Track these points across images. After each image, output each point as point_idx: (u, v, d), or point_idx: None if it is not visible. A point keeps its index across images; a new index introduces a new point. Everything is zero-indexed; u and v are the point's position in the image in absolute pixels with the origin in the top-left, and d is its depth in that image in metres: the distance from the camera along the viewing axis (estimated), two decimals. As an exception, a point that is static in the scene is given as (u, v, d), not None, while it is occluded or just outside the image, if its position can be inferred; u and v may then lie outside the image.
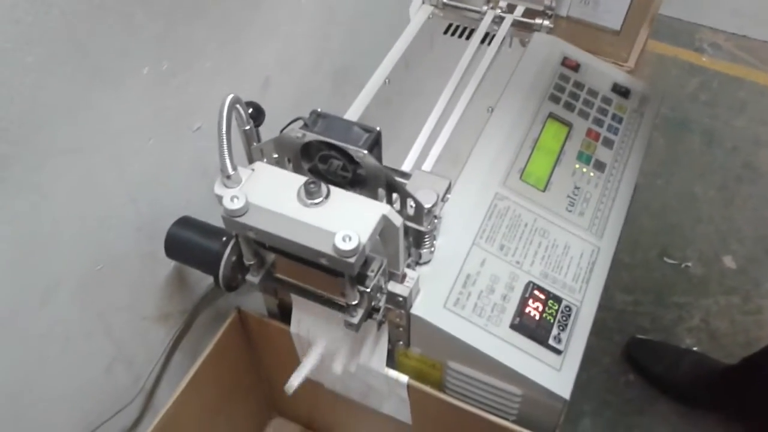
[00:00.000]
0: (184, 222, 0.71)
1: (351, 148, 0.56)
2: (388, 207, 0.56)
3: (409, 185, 0.62)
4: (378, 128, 0.58)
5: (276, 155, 0.62)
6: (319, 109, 0.59)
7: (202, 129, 0.72)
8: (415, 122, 0.78)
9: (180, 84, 0.67)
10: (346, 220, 0.54)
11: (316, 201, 0.55)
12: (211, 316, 0.84)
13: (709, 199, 1.57)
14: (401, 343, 0.68)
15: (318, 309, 0.66)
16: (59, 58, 0.53)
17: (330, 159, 0.59)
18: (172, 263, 0.76)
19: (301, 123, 0.59)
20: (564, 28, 1.49)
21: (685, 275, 1.43)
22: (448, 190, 0.64)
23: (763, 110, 1.78)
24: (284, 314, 0.77)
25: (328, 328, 0.70)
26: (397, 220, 0.56)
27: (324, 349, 0.71)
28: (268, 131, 0.66)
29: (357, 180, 0.59)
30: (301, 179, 0.57)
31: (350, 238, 0.52)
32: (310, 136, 0.57)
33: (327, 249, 0.53)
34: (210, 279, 0.78)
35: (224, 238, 0.67)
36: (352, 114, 0.80)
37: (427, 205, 0.59)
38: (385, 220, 0.55)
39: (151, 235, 0.69)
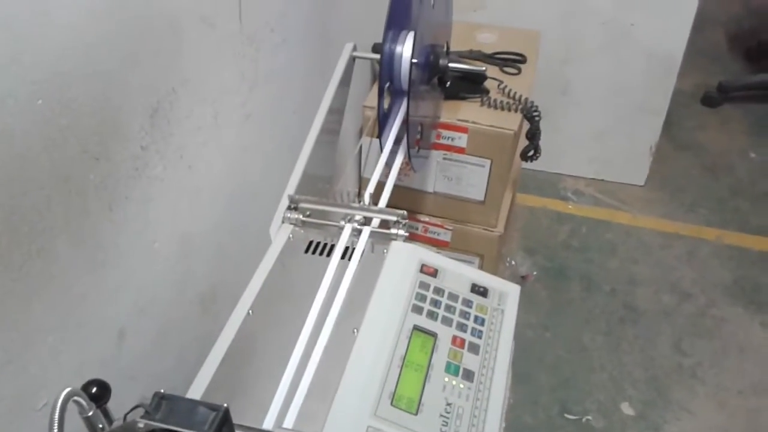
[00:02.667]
0: None
1: (197, 435, 0.54)
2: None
3: (270, 449, 0.59)
4: (225, 405, 0.56)
5: (122, 441, 0.58)
6: (162, 391, 0.57)
7: (49, 405, 0.68)
8: (280, 356, 0.77)
9: (18, 369, 0.64)
10: None
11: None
12: None
13: (597, 346, 1.62)
14: None
15: None
16: None
17: (177, 443, 0.56)
18: None
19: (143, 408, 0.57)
20: (433, 203, 1.58)
21: (587, 430, 1.44)
22: (311, 446, 0.62)
23: (632, 249, 1.90)
24: None
25: None
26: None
27: None
28: (128, 383, 0.63)
29: (209, 461, 0.56)
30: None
31: None
32: (152, 426, 0.55)
33: None
34: None
35: None
36: (216, 355, 0.77)
37: (284, 479, 0.56)
38: None
39: None
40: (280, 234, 0.95)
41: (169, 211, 0.85)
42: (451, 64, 1.14)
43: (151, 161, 0.79)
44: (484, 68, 1.30)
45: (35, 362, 0.66)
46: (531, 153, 1.52)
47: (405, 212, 0.93)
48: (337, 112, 1.16)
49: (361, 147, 1.54)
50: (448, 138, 1.45)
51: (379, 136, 1.08)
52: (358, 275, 0.88)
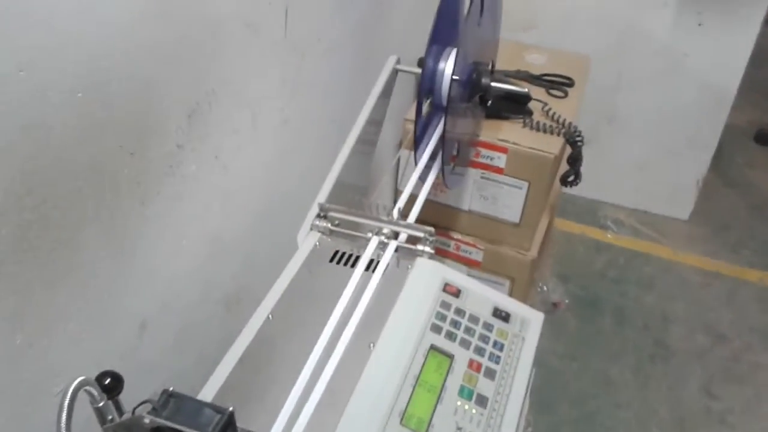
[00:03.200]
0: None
1: (200, 436, 0.54)
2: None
3: (272, 458, 0.59)
4: (231, 409, 0.56)
5: (129, 434, 0.59)
6: (171, 389, 0.57)
7: (63, 391, 0.69)
8: (295, 364, 0.77)
9: (38, 353, 0.65)
10: None
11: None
12: None
13: (624, 382, 1.58)
14: None
15: None
16: None
17: (181, 441, 0.56)
18: None
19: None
20: (467, 221, 1.57)
21: (608, 467, 1.40)
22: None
23: (670, 286, 1.85)
24: None
25: None
26: None
27: None
28: (145, 377, 0.63)
29: (210, 463, 0.57)
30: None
31: None
32: (157, 422, 0.55)
33: None
34: None
35: None
36: (232, 357, 0.78)
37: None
38: None
39: None
40: (307, 241, 0.95)
41: (200, 211, 0.86)
42: (493, 84, 1.13)
43: (185, 160, 0.80)
44: (526, 89, 1.29)
45: (55, 348, 0.67)
46: (571, 178, 1.50)
47: (433, 229, 0.92)
48: (376, 123, 1.16)
49: (398, 160, 1.54)
50: (487, 157, 1.43)
51: (415, 150, 1.08)
52: (380, 289, 0.87)
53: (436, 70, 1.04)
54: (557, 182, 1.54)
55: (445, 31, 1.03)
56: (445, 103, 1.04)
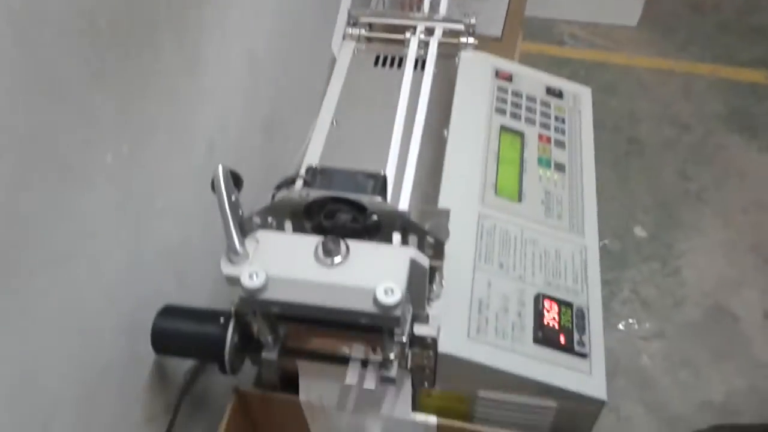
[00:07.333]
0: (169, 311, 0.64)
1: (363, 199, 0.54)
2: (413, 249, 0.54)
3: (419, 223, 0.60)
4: (383, 172, 0.56)
5: (271, 220, 0.58)
6: (314, 164, 0.56)
7: (164, 209, 0.67)
8: (375, 160, 0.77)
9: (140, 165, 0.62)
10: (376, 273, 0.51)
11: (338, 260, 0.52)
12: (194, 402, 0.77)
13: (606, 179, 1.67)
14: (426, 384, 0.66)
15: (329, 370, 0.62)
16: (29, 163, 0.46)
17: (336, 213, 0.56)
18: (151, 359, 0.69)
19: (294, 182, 0.56)
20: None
21: (605, 252, 1.51)
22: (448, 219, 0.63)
23: (630, 88, 1.92)
24: (284, 384, 0.72)
25: (342, 387, 0.67)
26: (425, 261, 0.54)
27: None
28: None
29: (368, 229, 0.57)
30: (313, 240, 0.53)
31: (392, 291, 0.49)
32: (316, 194, 0.54)
33: (368, 307, 0.50)
34: (188, 364, 0.72)
35: (221, 320, 0.62)
36: (309, 162, 0.77)
37: (446, 239, 0.57)
38: (413, 263, 0.53)
39: (133, 334, 0.63)
40: (344, 50, 0.92)
41: (241, 18, 0.81)
42: None
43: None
44: None
45: (152, 160, 0.64)
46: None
47: (473, 19, 0.91)
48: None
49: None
50: (467, -32, 1.40)
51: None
52: (434, 83, 0.86)
53: None
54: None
55: None
56: None
